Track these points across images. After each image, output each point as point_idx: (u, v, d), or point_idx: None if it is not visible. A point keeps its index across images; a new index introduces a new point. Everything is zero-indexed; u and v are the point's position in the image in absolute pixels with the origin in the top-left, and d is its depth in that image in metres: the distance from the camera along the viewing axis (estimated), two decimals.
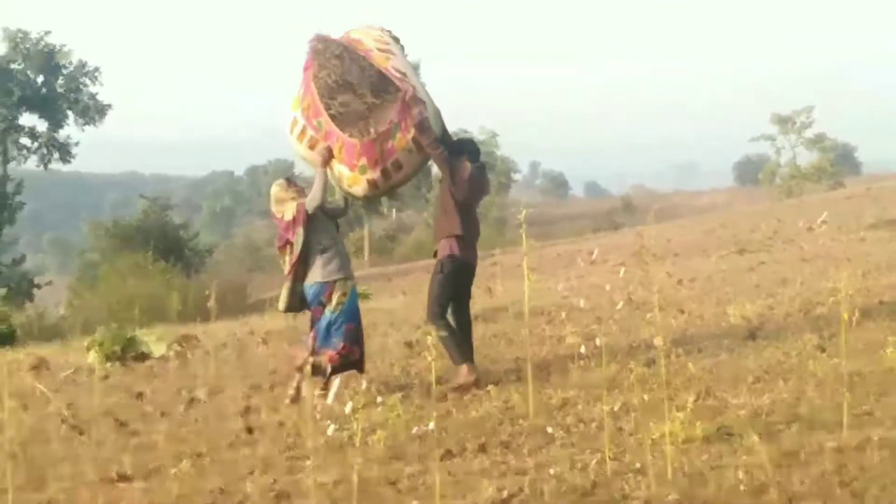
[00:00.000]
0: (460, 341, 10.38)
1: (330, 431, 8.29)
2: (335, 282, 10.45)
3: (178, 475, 8.03)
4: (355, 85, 10.48)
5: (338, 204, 10.94)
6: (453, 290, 10.49)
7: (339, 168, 10.45)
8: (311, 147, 10.62)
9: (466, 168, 10.42)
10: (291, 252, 10.53)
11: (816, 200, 49.85)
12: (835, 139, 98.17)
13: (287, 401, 10.43)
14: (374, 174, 10.31)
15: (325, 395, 10.24)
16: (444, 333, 10.11)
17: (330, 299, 10.41)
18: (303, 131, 10.69)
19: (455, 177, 10.37)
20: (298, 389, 10.41)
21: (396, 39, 10.87)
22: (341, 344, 10.32)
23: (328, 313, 10.39)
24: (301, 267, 10.51)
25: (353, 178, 10.42)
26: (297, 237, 10.49)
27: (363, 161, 10.32)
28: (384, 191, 10.84)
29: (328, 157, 10.45)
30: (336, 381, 10.44)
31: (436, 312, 10.37)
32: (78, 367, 14.67)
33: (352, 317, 10.45)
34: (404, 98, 10.23)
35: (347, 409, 8.44)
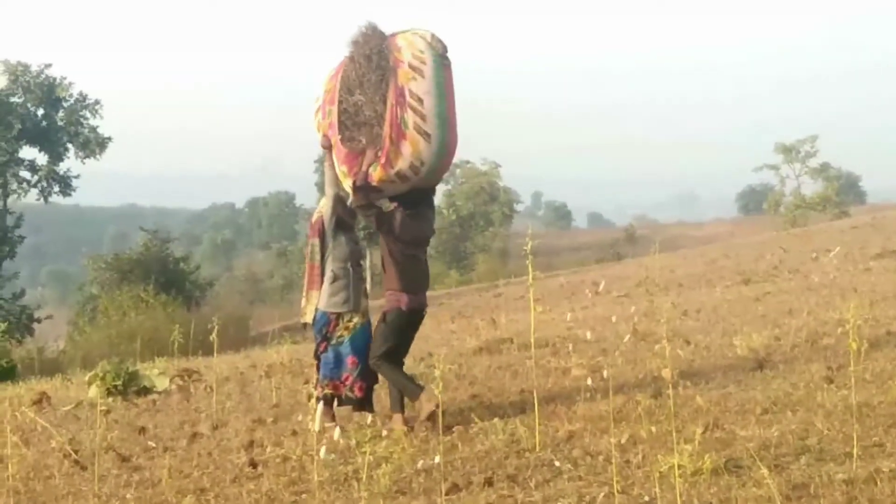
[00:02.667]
0: (406, 379, 10.25)
1: (323, 454, 8.21)
2: (338, 315, 10.41)
3: None
4: (370, 92, 10.22)
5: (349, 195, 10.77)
6: (397, 340, 10.29)
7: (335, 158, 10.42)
8: (318, 129, 10.57)
9: (395, 219, 10.25)
10: (309, 261, 10.57)
11: (821, 230, 49.89)
12: (839, 168, 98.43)
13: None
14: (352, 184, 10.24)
15: (334, 427, 10.14)
16: (387, 375, 10.18)
17: (333, 332, 10.38)
18: (317, 111, 10.61)
19: (383, 228, 10.27)
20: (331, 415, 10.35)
21: (440, 56, 10.31)
22: (344, 375, 10.27)
23: (330, 346, 10.36)
24: (320, 279, 10.51)
25: (342, 174, 10.37)
26: (311, 248, 10.53)
27: (344, 168, 10.27)
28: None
29: (326, 146, 10.39)
30: (319, 409, 10.35)
31: (377, 363, 10.21)
32: (79, 401, 14.64)
33: (358, 351, 10.36)
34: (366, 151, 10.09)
35: (353, 442, 8.42)
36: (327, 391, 10.31)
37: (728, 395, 9.92)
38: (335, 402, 10.31)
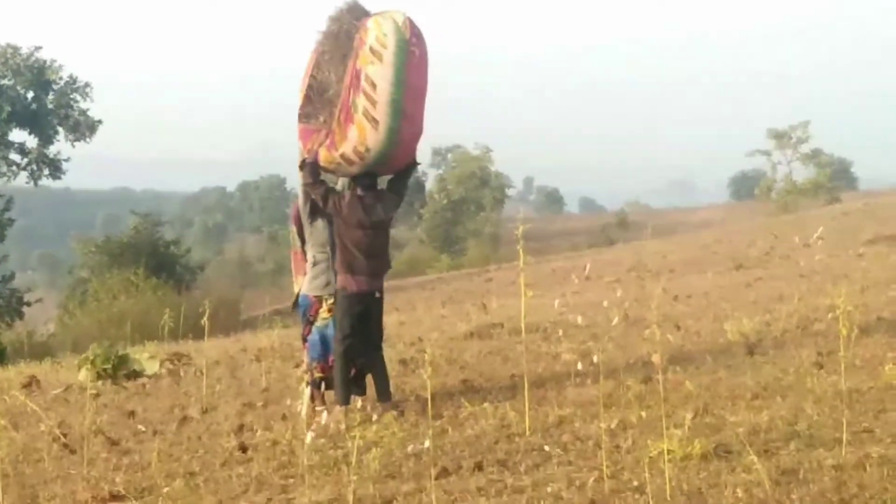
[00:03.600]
0: (345, 380, 10.21)
1: (309, 439, 8.21)
2: (320, 298, 10.48)
3: (170, 494, 7.96)
4: (333, 70, 10.12)
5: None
6: (351, 321, 10.20)
7: None
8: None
9: (343, 199, 10.20)
10: (291, 248, 10.72)
11: (813, 216, 49.95)
12: (831, 154, 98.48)
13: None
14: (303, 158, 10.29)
15: (323, 411, 10.16)
16: (337, 365, 10.16)
17: (316, 315, 10.41)
18: (302, 78, 10.53)
19: (328, 208, 10.23)
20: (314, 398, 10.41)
21: (405, 42, 9.99)
22: (331, 358, 10.30)
23: (315, 329, 10.39)
24: (304, 265, 10.61)
25: (299, 151, 10.41)
26: (291, 234, 10.72)
27: (300, 144, 10.31)
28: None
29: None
30: (306, 394, 10.47)
31: (336, 349, 10.23)
32: (69, 385, 14.64)
33: None
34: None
35: (342, 425, 8.40)
36: (317, 374, 10.34)
37: (718, 381, 9.94)
38: (323, 386, 10.36)
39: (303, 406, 10.42)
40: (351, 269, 10.14)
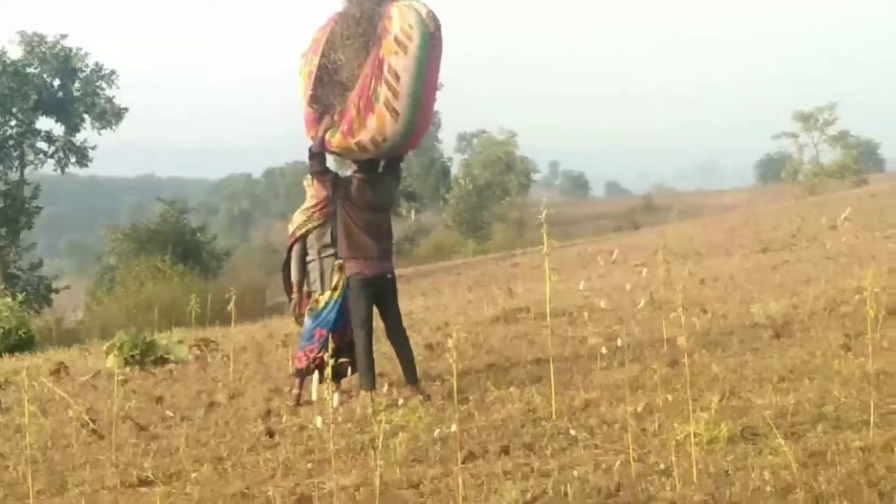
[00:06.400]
0: (370, 366, 10.27)
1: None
2: (310, 293, 10.84)
3: (198, 479, 8.00)
4: (351, 55, 10.04)
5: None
6: (367, 305, 10.30)
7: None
8: (299, 73, 10.45)
9: (351, 184, 10.25)
10: None
11: (840, 198, 49.71)
12: (858, 136, 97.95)
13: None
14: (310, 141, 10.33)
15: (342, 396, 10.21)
16: (358, 350, 10.25)
17: (305, 308, 10.79)
18: (303, 55, 10.46)
19: (338, 193, 10.26)
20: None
21: (429, 34, 9.88)
22: (309, 347, 10.54)
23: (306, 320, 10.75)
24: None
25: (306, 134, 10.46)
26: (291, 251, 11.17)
27: (305, 128, 10.38)
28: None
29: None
30: (315, 380, 10.61)
31: (355, 329, 10.33)
32: (97, 371, 14.71)
33: (325, 325, 10.54)
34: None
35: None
36: (298, 364, 10.64)
37: (745, 364, 9.91)
38: (301, 372, 10.68)
39: (313, 392, 10.53)
40: (363, 254, 10.21)
